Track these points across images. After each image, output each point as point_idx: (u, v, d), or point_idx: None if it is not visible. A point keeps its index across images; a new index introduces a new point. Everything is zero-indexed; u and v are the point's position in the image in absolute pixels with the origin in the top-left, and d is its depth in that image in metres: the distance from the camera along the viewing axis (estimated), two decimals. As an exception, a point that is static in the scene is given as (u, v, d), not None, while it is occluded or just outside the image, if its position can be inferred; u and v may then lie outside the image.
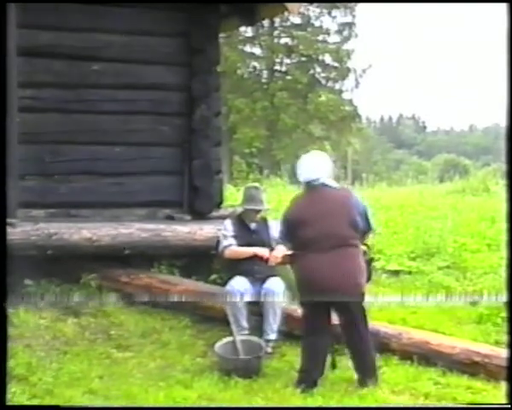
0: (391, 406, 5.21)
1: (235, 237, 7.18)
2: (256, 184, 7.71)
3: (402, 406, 5.23)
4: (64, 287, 7.62)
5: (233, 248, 7.14)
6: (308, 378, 5.98)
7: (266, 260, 6.93)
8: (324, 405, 5.50)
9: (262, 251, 7.00)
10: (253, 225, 7.30)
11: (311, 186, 6.13)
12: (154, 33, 9.10)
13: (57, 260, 7.65)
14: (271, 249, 7.02)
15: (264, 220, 7.40)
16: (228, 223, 7.34)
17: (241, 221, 7.33)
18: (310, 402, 5.54)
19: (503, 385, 6.18)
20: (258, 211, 7.29)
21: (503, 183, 21.59)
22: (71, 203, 8.69)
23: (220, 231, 7.39)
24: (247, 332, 6.77)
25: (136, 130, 9.08)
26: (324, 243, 5.89)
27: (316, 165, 6.16)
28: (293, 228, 6.10)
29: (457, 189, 20.62)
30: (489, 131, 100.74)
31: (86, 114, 8.82)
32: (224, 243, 7.18)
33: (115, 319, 7.39)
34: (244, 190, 7.55)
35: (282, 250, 6.59)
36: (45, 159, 8.59)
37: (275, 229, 7.20)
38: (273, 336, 6.83)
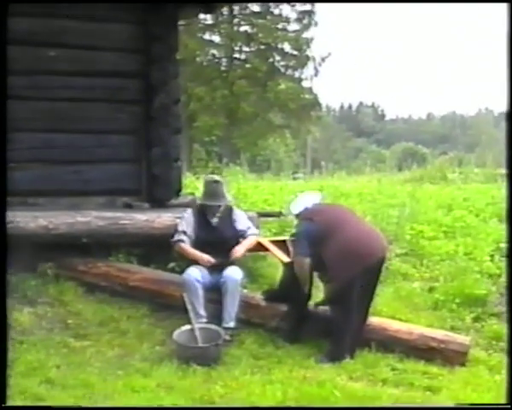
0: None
1: (185, 233, 7.12)
2: (216, 178, 7.59)
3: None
4: (20, 276, 7.52)
5: (181, 245, 7.12)
6: (344, 354, 6.40)
7: (228, 250, 6.97)
8: (283, 391, 5.52)
9: (204, 259, 6.97)
10: (214, 221, 7.23)
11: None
12: (111, 20, 8.98)
13: (13, 249, 7.52)
14: (236, 243, 7.07)
15: (230, 211, 7.32)
16: (187, 216, 7.27)
17: (202, 214, 7.25)
18: (269, 389, 5.56)
19: (459, 370, 6.31)
20: (219, 206, 7.24)
21: (459, 171, 21.91)
22: (27, 191, 8.54)
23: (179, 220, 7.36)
24: (204, 320, 6.76)
25: (93, 117, 8.97)
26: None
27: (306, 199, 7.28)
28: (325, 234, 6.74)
29: (415, 177, 20.82)
30: (446, 119, 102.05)
31: (42, 100, 8.69)
32: (176, 236, 7.17)
33: (72, 308, 7.33)
34: (204, 183, 7.48)
35: (244, 246, 6.97)
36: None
37: (241, 220, 7.17)
38: (232, 324, 6.84)
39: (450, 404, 5.46)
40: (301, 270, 6.74)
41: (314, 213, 6.95)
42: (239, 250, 7.07)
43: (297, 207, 7.19)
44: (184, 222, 7.19)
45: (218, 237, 7.08)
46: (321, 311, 6.97)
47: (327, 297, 6.79)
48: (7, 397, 4.18)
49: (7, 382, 4.25)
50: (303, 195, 7.51)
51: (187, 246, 7.07)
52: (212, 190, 7.20)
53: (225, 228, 7.19)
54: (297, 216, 7.20)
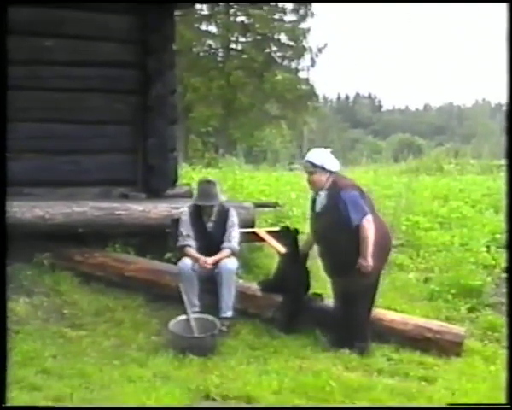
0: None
1: (189, 236, 7.05)
2: (209, 178, 7.51)
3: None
4: (16, 266, 7.52)
5: (188, 250, 6.99)
6: (369, 344, 6.39)
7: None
8: (279, 381, 5.54)
9: (206, 261, 6.89)
10: (209, 225, 7.17)
11: None
12: (108, 10, 8.97)
13: (9, 239, 7.53)
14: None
15: (226, 215, 7.19)
16: (185, 218, 7.16)
17: (197, 216, 7.16)
18: (265, 379, 5.57)
19: (454, 360, 6.34)
20: (213, 206, 7.18)
21: (455, 162, 21.93)
22: (23, 182, 8.54)
23: (179, 222, 7.23)
24: (197, 309, 6.77)
25: (89, 107, 8.98)
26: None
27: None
28: None
29: (411, 168, 20.86)
30: (443, 110, 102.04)
31: (39, 90, 8.69)
32: (181, 241, 7.06)
33: (68, 298, 7.34)
34: (197, 184, 7.42)
35: (214, 258, 6.87)
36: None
37: (230, 228, 7.09)
38: (230, 314, 6.84)
39: (450, 405, 5.46)
40: (370, 231, 6.24)
41: (357, 185, 6.56)
42: (208, 262, 6.93)
43: (331, 163, 6.49)
44: (185, 225, 7.12)
45: (211, 244, 7.02)
46: (317, 301, 6.98)
47: (352, 288, 6.38)
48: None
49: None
50: (327, 151, 6.70)
51: (193, 251, 6.99)
52: (205, 190, 7.15)
53: (219, 234, 7.11)
54: (313, 166, 6.49)
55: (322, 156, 6.51)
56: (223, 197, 7.28)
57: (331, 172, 6.44)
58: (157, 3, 9.09)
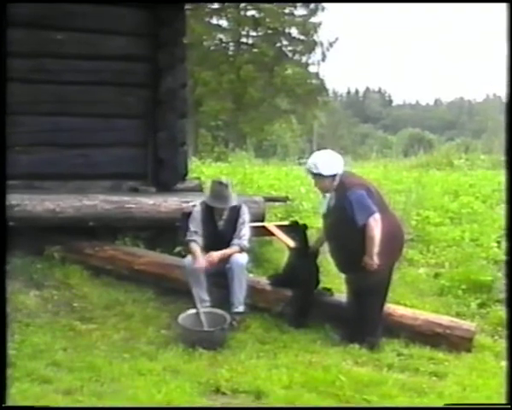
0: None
1: (196, 233, 6.99)
2: (222, 180, 7.29)
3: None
4: (27, 259, 7.54)
5: (192, 245, 6.93)
6: (379, 340, 6.39)
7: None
8: (289, 376, 5.53)
9: (211, 256, 6.85)
10: (220, 224, 7.13)
11: None
12: (119, 3, 8.96)
13: (19, 232, 7.56)
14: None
15: (237, 212, 7.12)
16: (196, 214, 7.12)
17: (209, 214, 7.11)
18: (274, 374, 5.57)
19: (464, 356, 6.32)
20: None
21: (465, 157, 21.86)
22: (34, 175, 8.58)
23: (190, 216, 7.20)
24: (207, 304, 6.77)
25: (100, 101, 8.98)
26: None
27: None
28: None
29: (422, 163, 20.82)
30: (453, 105, 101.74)
31: (49, 84, 8.69)
32: (189, 235, 7.02)
33: (78, 291, 7.36)
34: (211, 183, 7.32)
35: (221, 253, 6.82)
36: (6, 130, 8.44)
37: (241, 225, 7.06)
38: (241, 309, 6.84)
39: (463, 393, 5.45)
40: (377, 230, 6.20)
41: (365, 183, 6.50)
42: (213, 257, 6.90)
43: (330, 168, 6.38)
44: (195, 221, 7.08)
45: (221, 242, 6.99)
46: (326, 296, 6.98)
47: (362, 285, 6.40)
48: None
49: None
50: (327, 154, 6.60)
51: (197, 248, 6.94)
52: (218, 192, 7.08)
53: (230, 232, 7.07)
54: (320, 176, 6.40)
55: (319, 163, 6.41)
56: (235, 200, 7.16)
57: (333, 175, 6.39)
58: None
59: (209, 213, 7.13)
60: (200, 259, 6.81)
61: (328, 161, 6.43)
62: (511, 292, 5.50)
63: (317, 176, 6.43)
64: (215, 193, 7.09)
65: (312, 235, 7.26)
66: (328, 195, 6.48)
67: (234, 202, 7.12)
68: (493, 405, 5.05)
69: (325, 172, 6.35)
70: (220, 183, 7.18)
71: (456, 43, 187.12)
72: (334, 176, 6.37)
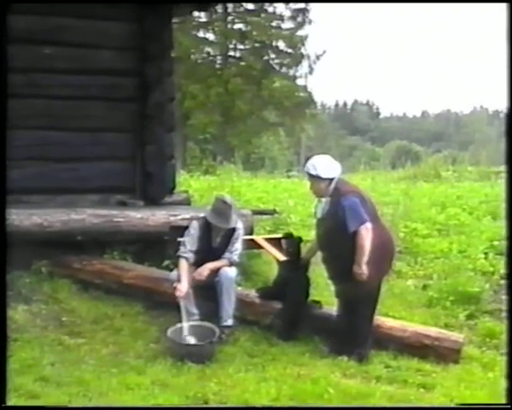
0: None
1: (191, 251, 6.93)
2: (227, 199, 7.13)
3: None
4: (14, 274, 7.51)
5: (182, 262, 6.84)
6: (368, 352, 6.41)
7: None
8: (278, 389, 5.54)
9: (201, 274, 6.86)
10: (217, 241, 7.08)
11: None
12: (107, 18, 8.99)
13: (7, 247, 7.53)
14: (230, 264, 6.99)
15: (232, 232, 7.06)
16: (194, 231, 7.04)
17: (206, 231, 7.04)
18: (263, 387, 5.57)
19: (452, 368, 6.34)
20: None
21: (453, 169, 21.97)
22: (22, 189, 8.52)
23: (186, 232, 7.10)
24: (196, 318, 6.76)
25: (88, 115, 8.98)
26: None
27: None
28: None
29: (409, 175, 20.91)
30: (440, 117, 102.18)
31: (38, 98, 8.69)
32: (182, 249, 6.94)
33: (67, 305, 7.34)
34: (214, 200, 7.22)
35: (210, 266, 6.85)
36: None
37: (234, 242, 7.05)
38: (230, 322, 6.83)
39: (451, 404, 5.47)
40: (367, 240, 6.22)
41: (359, 192, 6.53)
42: (203, 274, 6.90)
43: (328, 171, 6.45)
44: (191, 238, 7.00)
45: (214, 258, 6.97)
46: (315, 309, 6.99)
47: (352, 295, 6.41)
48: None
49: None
50: (325, 158, 6.67)
51: (184, 269, 6.81)
52: (221, 210, 6.98)
53: (223, 249, 7.04)
54: (310, 176, 6.52)
55: (318, 165, 6.47)
56: (235, 222, 7.07)
57: (330, 179, 6.43)
58: (154, 11, 9.08)
59: (207, 229, 7.07)
60: (183, 283, 6.70)
61: (327, 165, 6.51)
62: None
63: (315, 178, 6.47)
64: (217, 211, 7.00)
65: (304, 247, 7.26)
66: (323, 200, 6.50)
67: (234, 223, 7.04)
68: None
69: (323, 175, 6.41)
70: (224, 202, 7.06)
71: (443, 55, 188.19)
72: (331, 180, 6.41)
